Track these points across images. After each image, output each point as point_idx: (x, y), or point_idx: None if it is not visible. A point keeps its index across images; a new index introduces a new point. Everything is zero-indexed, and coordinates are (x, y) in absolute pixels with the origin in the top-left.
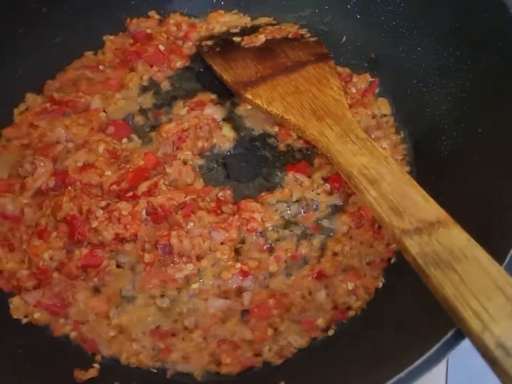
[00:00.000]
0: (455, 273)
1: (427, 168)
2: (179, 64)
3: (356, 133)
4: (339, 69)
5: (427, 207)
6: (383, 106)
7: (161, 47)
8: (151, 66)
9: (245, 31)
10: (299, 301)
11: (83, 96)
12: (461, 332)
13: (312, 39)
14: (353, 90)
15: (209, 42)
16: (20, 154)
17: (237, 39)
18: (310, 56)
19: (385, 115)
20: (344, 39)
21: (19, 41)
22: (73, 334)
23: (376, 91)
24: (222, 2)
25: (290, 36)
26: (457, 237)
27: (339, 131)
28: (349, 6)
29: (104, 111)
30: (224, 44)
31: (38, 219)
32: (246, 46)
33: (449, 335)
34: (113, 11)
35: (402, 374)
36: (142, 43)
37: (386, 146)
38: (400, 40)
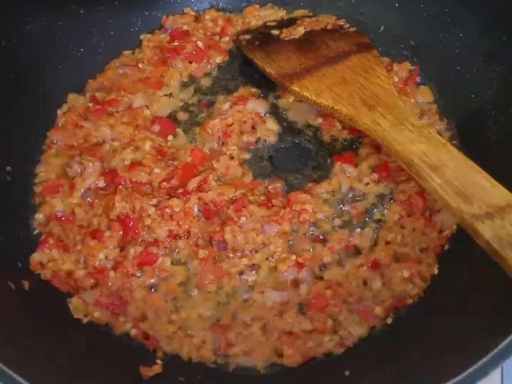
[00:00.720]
0: None
1: (475, 154)
2: (218, 59)
3: (410, 121)
4: None
5: (495, 192)
6: (426, 94)
7: (200, 44)
8: (190, 63)
9: (283, 24)
10: (356, 290)
11: (126, 95)
12: None
13: (351, 29)
14: (395, 79)
15: (247, 36)
16: (67, 155)
17: (275, 32)
18: (352, 46)
19: (428, 103)
20: (382, 28)
21: (59, 43)
22: (133, 332)
23: (418, 79)
24: None
25: (328, 27)
26: None
27: (393, 120)
28: None
29: (148, 109)
30: (263, 37)
31: (90, 219)
32: (286, 38)
33: None
34: (148, 9)
35: (485, 359)
36: (180, 40)
37: None
38: (440, 27)
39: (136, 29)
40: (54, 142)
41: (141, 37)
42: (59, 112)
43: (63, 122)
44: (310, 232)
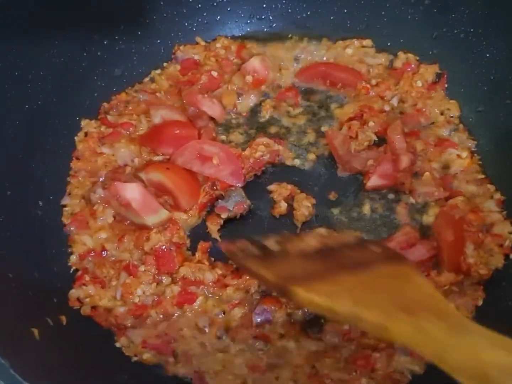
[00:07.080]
0: None
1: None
2: None
3: (472, 328)
4: (405, 55)
5: None
6: (453, 107)
7: (214, 73)
8: (206, 92)
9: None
10: None
11: (137, 118)
12: None
13: (377, 246)
14: (419, 83)
15: (240, 245)
16: (91, 181)
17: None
18: (380, 257)
19: (453, 117)
20: None
21: (84, 74)
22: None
23: (446, 86)
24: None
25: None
26: None
27: (447, 326)
28: (409, 17)
29: None
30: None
31: (121, 254)
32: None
33: None
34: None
35: None
36: (192, 71)
37: (464, 154)
38: (467, 47)
39: (160, 57)
40: (78, 171)
41: (152, 74)
42: (76, 139)
43: (81, 150)
44: None
